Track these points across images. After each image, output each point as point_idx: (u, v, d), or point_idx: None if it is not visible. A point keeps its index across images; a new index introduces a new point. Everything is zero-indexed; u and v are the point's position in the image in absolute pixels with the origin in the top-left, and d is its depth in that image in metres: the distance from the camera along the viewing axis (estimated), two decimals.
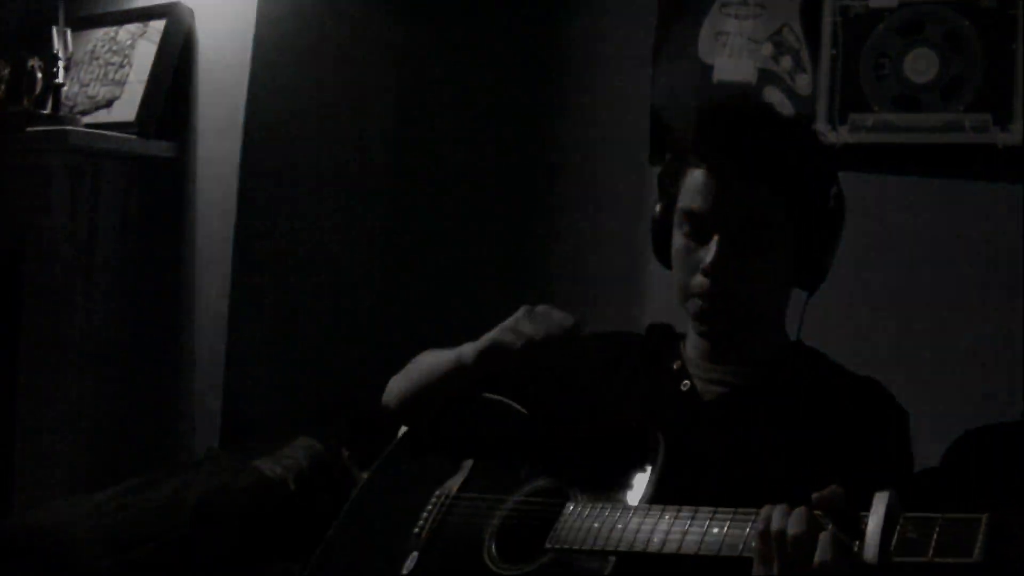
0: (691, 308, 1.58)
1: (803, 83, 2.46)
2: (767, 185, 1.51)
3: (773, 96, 2.48)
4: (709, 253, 1.52)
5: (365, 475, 1.86)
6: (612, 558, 1.42)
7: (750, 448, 1.52)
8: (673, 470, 1.50)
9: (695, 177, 1.54)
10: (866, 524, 1.22)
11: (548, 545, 1.49)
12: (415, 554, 1.60)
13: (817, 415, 1.54)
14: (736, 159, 1.51)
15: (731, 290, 1.53)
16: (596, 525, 1.45)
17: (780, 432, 1.53)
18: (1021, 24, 2.21)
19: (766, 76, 2.50)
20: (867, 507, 1.22)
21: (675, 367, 1.65)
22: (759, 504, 1.32)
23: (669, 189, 1.61)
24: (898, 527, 1.20)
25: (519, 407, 1.75)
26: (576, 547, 1.46)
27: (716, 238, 1.52)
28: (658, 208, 1.64)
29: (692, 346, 1.65)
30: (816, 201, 1.55)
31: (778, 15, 2.49)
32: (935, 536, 1.16)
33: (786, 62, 2.48)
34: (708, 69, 2.58)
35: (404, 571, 1.60)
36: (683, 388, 1.63)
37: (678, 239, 1.58)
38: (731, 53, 2.55)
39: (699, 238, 1.55)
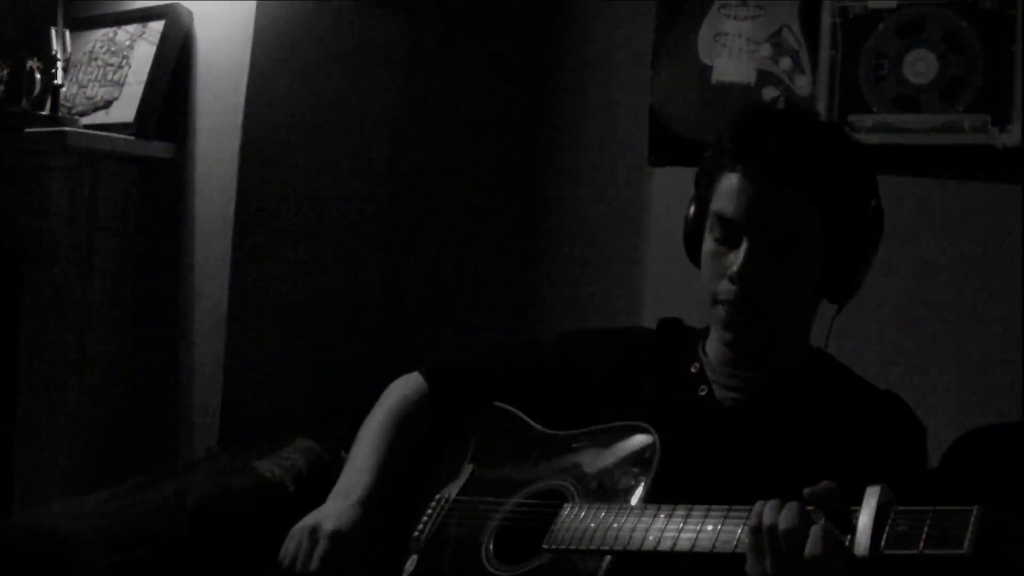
0: (716, 316, 1.56)
1: (802, 84, 2.46)
2: (801, 193, 1.49)
3: (772, 97, 2.48)
4: (738, 259, 1.51)
5: None
6: (608, 557, 1.43)
7: (766, 457, 1.52)
8: (669, 471, 1.50)
9: (729, 181, 1.53)
10: (857, 518, 1.22)
11: (545, 546, 1.50)
12: (414, 557, 1.60)
13: (835, 427, 1.53)
14: (771, 165, 1.49)
15: (758, 298, 1.51)
16: (592, 525, 1.45)
17: (797, 442, 1.52)
18: (1020, 25, 2.22)
19: (765, 77, 2.50)
20: (859, 501, 1.23)
21: (693, 370, 1.64)
22: None
23: (703, 191, 1.60)
24: (889, 520, 1.20)
25: (521, 414, 1.74)
26: (572, 547, 1.46)
27: (745, 244, 1.50)
28: (692, 209, 1.62)
29: (713, 350, 1.64)
30: (852, 213, 1.53)
31: (777, 16, 2.49)
32: (926, 529, 1.17)
33: (785, 63, 2.48)
34: (707, 70, 2.58)
35: (404, 574, 1.60)
36: (700, 393, 1.62)
37: (708, 242, 1.57)
38: (730, 54, 2.55)
39: (729, 243, 1.53)
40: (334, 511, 1.66)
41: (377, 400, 1.86)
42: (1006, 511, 1.15)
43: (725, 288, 1.52)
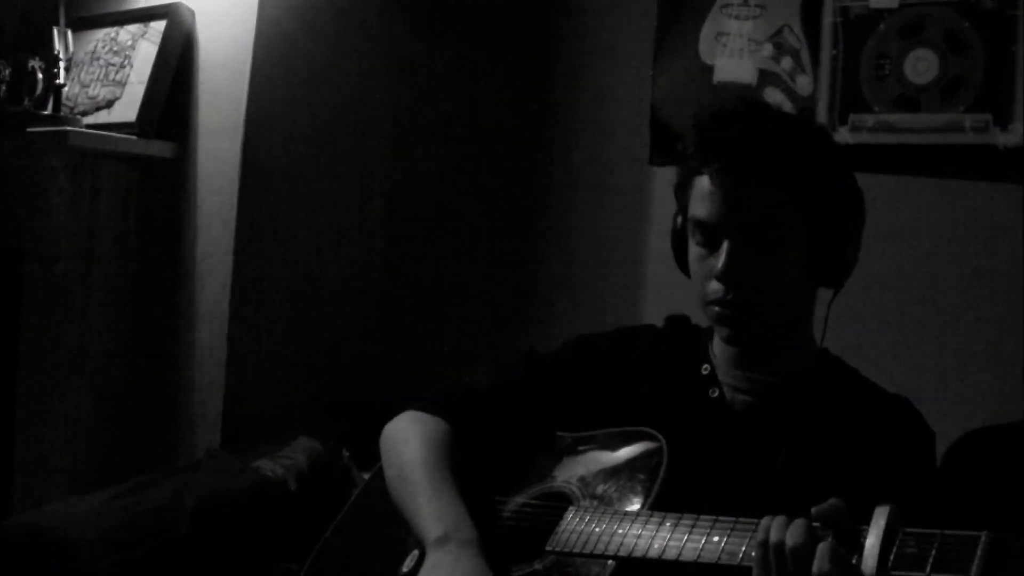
0: (710, 316, 1.57)
1: (803, 84, 2.46)
2: (771, 185, 1.50)
3: (773, 97, 2.47)
4: (719, 260, 1.51)
5: (366, 475, 1.85)
6: (611, 563, 1.43)
7: (777, 461, 1.52)
8: (680, 474, 1.50)
9: (700, 185, 1.53)
10: (866, 537, 1.22)
11: (548, 548, 1.50)
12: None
13: (846, 432, 1.53)
14: (735, 162, 1.50)
15: (746, 294, 1.52)
16: (596, 530, 1.45)
17: (807, 447, 1.52)
18: (1021, 25, 2.21)
19: (766, 77, 2.50)
20: (867, 521, 1.23)
21: (704, 371, 1.64)
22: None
23: (681, 200, 1.60)
24: (897, 541, 1.20)
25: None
26: (576, 551, 1.46)
27: (726, 244, 1.51)
28: (678, 219, 1.63)
29: (719, 351, 1.64)
30: (825, 195, 1.53)
31: (778, 16, 2.49)
32: (934, 552, 1.17)
33: (786, 63, 2.48)
34: (708, 70, 2.57)
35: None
36: (712, 395, 1.62)
37: (692, 248, 1.57)
38: (731, 54, 2.55)
39: (710, 245, 1.54)
40: (467, 566, 1.49)
41: (385, 445, 1.73)
42: (1014, 535, 1.15)
43: (713, 288, 1.53)
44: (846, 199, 1.56)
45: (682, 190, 1.59)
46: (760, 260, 1.51)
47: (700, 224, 1.54)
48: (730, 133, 1.52)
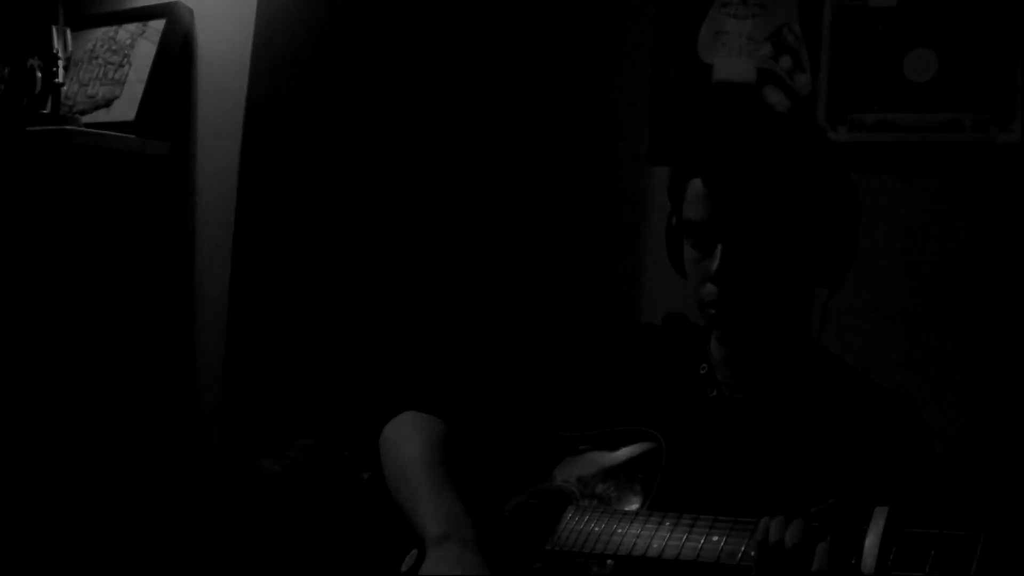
0: (706, 317, 1.57)
1: (802, 83, 2.46)
2: (764, 186, 1.50)
3: (773, 96, 2.48)
4: (714, 263, 1.52)
5: (366, 475, 1.85)
6: (610, 562, 1.43)
7: (776, 460, 1.52)
8: (679, 473, 1.50)
9: (693, 188, 1.54)
10: (865, 538, 1.22)
11: (548, 547, 1.50)
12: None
13: (845, 431, 1.53)
14: (727, 166, 1.50)
15: (742, 296, 1.52)
16: (596, 529, 1.46)
17: (806, 445, 1.52)
18: (1021, 25, 2.22)
19: (765, 76, 2.50)
20: (866, 521, 1.23)
21: (702, 371, 1.65)
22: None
23: (675, 202, 1.61)
24: (896, 542, 1.21)
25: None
26: (576, 550, 1.46)
27: (720, 247, 1.51)
28: (673, 220, 1.63)
29: (717, 350, 1.65)
30: (820, 195, 1.53)
31: (777, 15, 2.49)
32: (932, 552, 1.17)
33: (785, 62, 2.48)
34: (707, 69, 2.58)
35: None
36: (711, 394, 1.62)
37: (687, 250, 1.58)
38: (730, 53, 2.55)
39: (705, 248, 1.54)
40: (467, 565, 1.50)
41: (385, 444, 1.75)
42: (1013, 535, 1.15)
43: (709, 291, 1.54)
44: (841, 198, 1.56)
45: (676, 192, 1.59)
46: (755, 262, 1.51)
47: (694, 226, 1.54)
48: (722, 138, 1.52)
